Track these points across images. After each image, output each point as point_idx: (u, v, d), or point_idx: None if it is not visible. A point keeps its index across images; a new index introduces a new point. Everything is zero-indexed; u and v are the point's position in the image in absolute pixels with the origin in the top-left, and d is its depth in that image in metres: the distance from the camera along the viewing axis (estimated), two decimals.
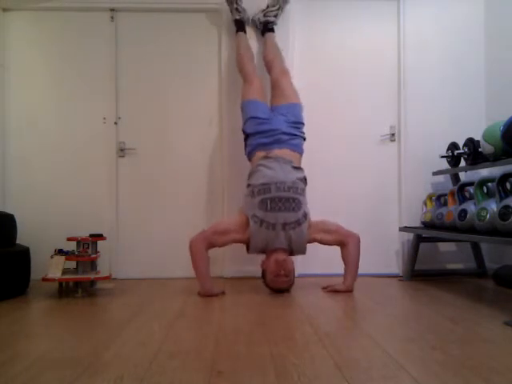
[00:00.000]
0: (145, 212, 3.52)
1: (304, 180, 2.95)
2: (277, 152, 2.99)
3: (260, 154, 3.02)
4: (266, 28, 3.45)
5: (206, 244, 2.77)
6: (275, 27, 3.47)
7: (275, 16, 3.44)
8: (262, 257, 2.85)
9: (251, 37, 3.51)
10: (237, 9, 3.40)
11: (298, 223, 2.78)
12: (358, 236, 2.88)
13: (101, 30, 3.53)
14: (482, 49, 3.58)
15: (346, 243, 2.85)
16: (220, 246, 2.87)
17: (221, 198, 3.50)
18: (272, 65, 3.35)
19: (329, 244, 2.88)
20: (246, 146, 3.16)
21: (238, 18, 3.41)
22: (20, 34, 3.51)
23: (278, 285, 2.75)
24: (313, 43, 3.58)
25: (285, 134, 3.04)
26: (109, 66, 3.52)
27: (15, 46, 3.51)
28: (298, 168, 2.97)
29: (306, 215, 2.81)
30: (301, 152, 3.09)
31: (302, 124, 3.16)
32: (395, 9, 3.58)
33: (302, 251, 2.84)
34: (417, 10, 3.56)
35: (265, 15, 3.44)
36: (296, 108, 3.17)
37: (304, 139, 3.14)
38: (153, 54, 3.55)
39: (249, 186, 2.93)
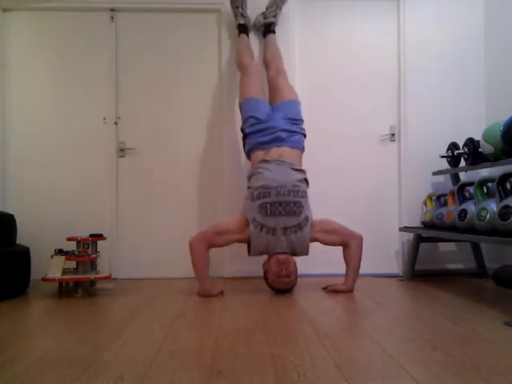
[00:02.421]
0: (145, 212, 3.52)
1: (305, 181, 2.93)
2: (276, 151, 2.96)
3: (259, 153, 3.01)
4: (267, 30, 3.46)
5: (205, 244, 2.77)
6: (276, 28, 3.47)
7: (274, 16, 3.44)
8: (264, 257, 2.86)
9: (253, 42, 3.51)
10: (242, 14, 3.40)
11: (300, 227, 2.76)
12: (360, 236, 2.87)
13: (101, 30, 3.53)
14: (482, 49, 3.59)
15: (348, 244, 2.84)
16: (220, 246, 2.87)
17: (221, 197, 3.50)
18: (270, 63, 3.36)
19: (330, 244, 2.87)
20: (244, 144, 3.15)
21: (242, 22, 3.41)
22: (20, 34, 3.51)
23: (280, 285, 2.75)
24: (313, 43, 3.58)
25: (283, 131, 3.01)
26: (109, 65, 3.52)
27: (15, 46, 3.51)
28: (299, 170, 2.94)
29: (307, 218, 2.80)
30: (301, 149, 3.07)
31: (301, 120, 3.14)
32: (395, 9, 3.58)
33: (305, 253, 2.84)
34: (417, 10, 3.57)
35: (265, 17, 3.45)
36: (293, 105, 3.16)
37: (304, 136, 3.11)
38: (153, 54, 3.55)
39: (249, 188, 2.92)
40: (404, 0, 3.56)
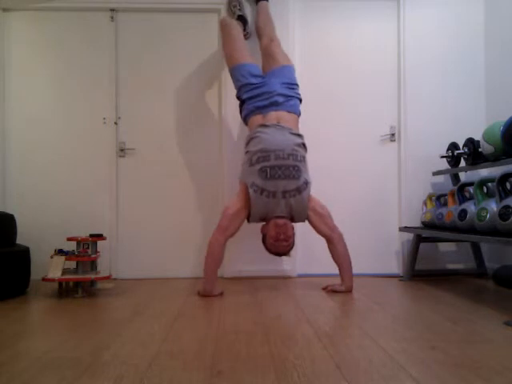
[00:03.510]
0: (145, 212, 3.52)
1: (303, 146, 2.92)
2: (274, 115, 2.96)
3: (257, 117, 3.00)
4: None
5: (224, 236, 2.77)
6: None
7: None
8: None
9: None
10: (240, 9, 3.41)
11: (299, 191, 2.77)
12: (341, 233, 2.89)
13: (101, 30, 3.53)
14: (482, 49, 3.59)
15: (331, 238, 2.86)
16: (237, 231, 2.84)
17: (220, 197, 3.50)
18: (262, 32, 3.34)
19: (314, 227, 2.88)
20: (241, 110, 3.14)
21: (240, 13, 3.41)
22: (20, 34, 3.52)
23: (278, 249, 2.77)
24: (313, 43, 3.58)
25: (280, 95, 3.00)
26: (109, 65, 3.52)
27: (15, 46, 3.51)
28: (297, 134, 2.92)
29: (306, 182, 2.81)
30: (298, 113, 3.06)
31: (297, 85, 3.13)
32: (395, 9, 3.59)
33: (303, 219, 2.85)
34: (417, 10, 3.57)
35: None
36: (288, 70, 3.15)
37: (300, 100, 3.11)
38: (153, 54, 3.55)
39: (247, 152, 2.91)
40: (404, 0, 3.56)
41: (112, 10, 3.53)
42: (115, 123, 3.52)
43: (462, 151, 3.11)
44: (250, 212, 2.79)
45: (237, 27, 3.29)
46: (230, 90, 3.49)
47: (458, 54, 3.58)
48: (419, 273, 3.40)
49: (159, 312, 2.38)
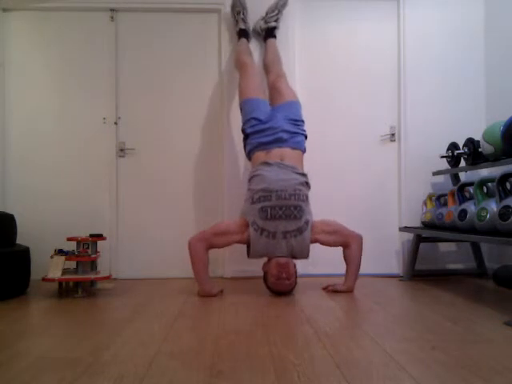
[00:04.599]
0: (145, 212, 3.52)
1: (307, 185, 2.91)
2: (277, 152, 2.95)
3: (260, 153, 3.00)
4: (268, 34, 3.45)
5: (205, 244, 2.76)
6: (277, 32, 3.47)
7: (276, 21, 3.44)
8: (264, 259, 2.85)
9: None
10: (242, 19, 3.41)
11: (300, 231, 2.75)
12: (360, 236, 2.86)
13: (101, 30, 3.53)
14: (482, 49, 3.59)
15: (349, 244, 2.83)
16: (220, 247, 2.86)
17: (221, 197, 3.50)
18: (270, 68, 3.36)
19: (330, 245, 2.86)
20: (245, 145, 3.14)
21: (243, 27, 3.42)
22: (20, 34, 3.51)
23: (280, 288, 2.73)
24: (313, 43, 3.58)
25: (285, 131, 3.00)
26: (109, 65, 3.52)
27: (15, 46, 3.51)
28: (301, 173, 2.92)
29: (308, 222, 2.78)
30: (303, 149, 3.06)
31: (302, 121, 3.13)
32: (395, 9, 3.58)
33: (305, 257, 2.82)
34: (417, 10, 3.56)
35: (266, 22, 3.44)
36: (295, 106, 3.15)
37: (305, 137, 3.11)
38: (153, 54, 3.55)
39: (249, 190, 2.90)
40: (404, 0, 3.56)
41: (112, 10, 3.53)
42: (115, 123, 3.52)
43: (462, 151, 3.11)
44: (250, 249, 2.78)
45: (250, 60, 3.32)
46: (231, 91, 3.50)
47: (458, 54, 3.58)
48: (419, 273, 3.40)
49: (159, 312, 2.38)
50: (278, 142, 2.98)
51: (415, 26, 3.56)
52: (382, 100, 3.57)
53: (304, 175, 2.93)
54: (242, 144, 3.20)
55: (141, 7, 3.53)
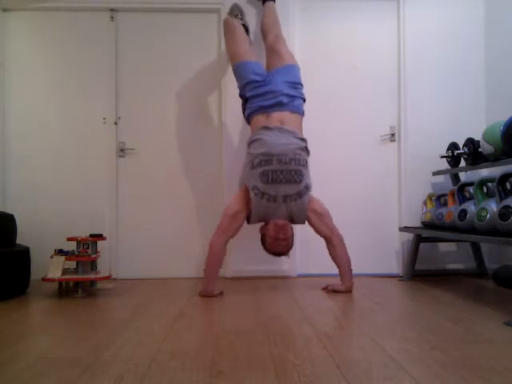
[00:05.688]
0: (145, 212, 3.52)
1: (306, 150, 2.91)
2: (277, 115, 2.93)
3: (260, 117, 2.97)
4: None
5: (225, 237, 2.77)
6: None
7: None
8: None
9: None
10: (240, 19, 3.41)
11: (300, 195, 2.78)
12: (341, 236, 2.89)
13: (101, 30, 3.53)
14: (482, 49, 3.59)
15: (331, 239, 2.86)
16: (238, 231, 2.83)
17: (220, 197, 3.50)
18: (269, 29, 3.33)
19: (314, 227, 2.88)
20: (244, 109, 3.11)
21: (242, 23, 3.41)
22: (20, 34, 3.51)
23: (277, 248, 2.77)
24: (313, 43, 3.58)
25: (285, 95, 2.97)
26: (109, 65, 3.52)
27: (15, 46, 3.51)
28: (301, 138, 2.91)
29: (307, 187, 2.82)
30: (302, 113, 3.05)
31: (301, 85, 3.11)
32: (395, 9, 3.58)
33: (302, 221, 2.85)
34: (417, 10, 3.56)
35: None
36: (294, 69, 3.13)
37: (304, 100, 3.09)
38: (153, 54, 3.55)
39: (248, 154, 2.89)
40: (404, 0, 3.56)
41: (112, 9, 3.53)
42: (115, 123, 3.52)
43: (462, 151, 3.11)
44: (251, 214, 2.79)
45: (240, 28, 3.29)
46: (231, 90, 3.49)
47: (458, 54, 3.58)
48: (419, 273, 3.40)
49: (159, 312, 2.38)
50: (279, 105, 2.97)
51: (415, 26, 3.56)
52: (381, 100, 3.58)
53: (303, 140, 2.92)
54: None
55: (141, 7, 3.54)
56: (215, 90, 3.56)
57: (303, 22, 3.58)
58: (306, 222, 2.88)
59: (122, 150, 3.52)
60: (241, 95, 3.13)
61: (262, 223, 2.86)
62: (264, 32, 3.38)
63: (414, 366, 1.55)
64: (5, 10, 3.49)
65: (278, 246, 2.75)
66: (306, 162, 2.87)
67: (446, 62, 3.58)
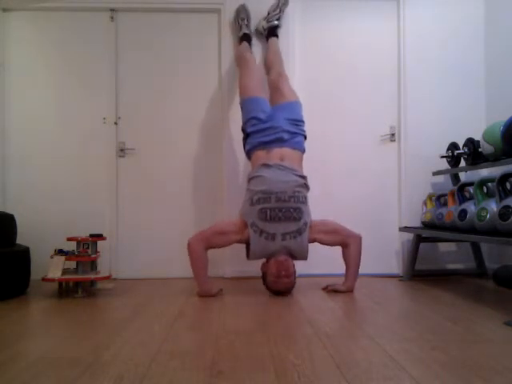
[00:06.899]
0: (145, 212, 3.52)
1: (306, 186, 2.91)
2: (277, 152, 2.95)
3: (260, 153, 2.99)
4: (270, 33, 3.46)
5: (204, 244, 2.76)
6: (279, 31, 3.48)
7: (278, 19, 3.45)
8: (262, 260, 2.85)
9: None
10: (246, 25, 3.43)
11: (299, 232, 2.75)
12: (359, 236, 2.86)
13: (101, 30, 3.53)
14: (482, 49, 3.59)
15: (348, 244, 2.84)
16: (219, 247, 2.85)
17: (221, 197, 3.50)
18: (271, 67, 3.37)
19: (329, 245, 2.87)
20: (245, 144, 3.13)
21: (246, 32, 3.43)
22: (20, 34, 3.51)
23: (279, 286, 2.73)
24: (313, 43, 3.58)
25: (285, 131, 2.99)
26: (109, 65, 3.52)
27: (15, 46, 3.51)
28: (300, 175, 2.91)
29: (306, 224, 2.78)
30: (302, 150, 3.06)
31: (302, 122, 3.13)
32: (395, 9, 3.58)
33: (304, 258, 2.83)
34: (417, 10, 3.56)
35: (268, 21, 3.45)
36: (295, 106, 3.15)
37: (305, 137, 3.10)
38: (153, 54, 3.55)
39: (248, 190, 2.90)
40: (404, 0, 3.56)
41: (112, 9, 3.53)
42: (115, 123, 3.52)
43: (462, 151, 3.11)
44: (249, 250, 2.78)
45: (253, 60, 3.33)
46: (231, 91, 3.50)
47: (457, 54, 3.58)
48: (419, 273, 3.40)
49: (159, 312, 2.38)
50: (279, 141, 2.98)
51: (415, 26, 3.56)
52: (382, 100, 3.58)
53: (303, 177, 2.93)
54: (241, 143, 3.20)
55: (141, 7, 3.54)
56: (215, 89, 3.56)
57: (303, 21, 3.58)
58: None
59: (122, 150, 3.52)
60: (242, 129, 3.15)
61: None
62: (267, 68, 3.43)
63: (414, 366, 1.55)
64: (5, 9, 3.49)
65: (280, 283, 2.70)
66: (306, 198, 2.85)
67: (446, 61, 3.58)
